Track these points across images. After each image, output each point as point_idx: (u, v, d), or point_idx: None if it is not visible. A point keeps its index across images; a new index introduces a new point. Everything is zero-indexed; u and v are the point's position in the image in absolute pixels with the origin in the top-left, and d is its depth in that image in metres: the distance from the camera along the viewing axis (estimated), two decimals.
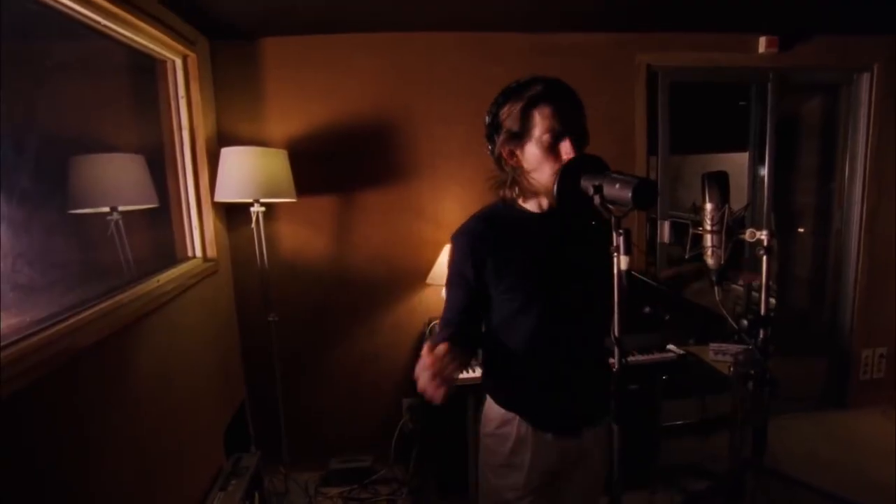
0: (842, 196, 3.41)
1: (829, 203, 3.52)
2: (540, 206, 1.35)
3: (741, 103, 3.52)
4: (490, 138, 1.34)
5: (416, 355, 2.93)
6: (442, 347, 1.08)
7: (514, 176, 1.34)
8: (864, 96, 3.24)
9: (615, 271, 1.09)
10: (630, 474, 2.64)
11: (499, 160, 1.35)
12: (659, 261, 3.24)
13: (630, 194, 1.03)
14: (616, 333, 1.14)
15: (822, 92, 3.54)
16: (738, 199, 3.93)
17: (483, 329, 1.50)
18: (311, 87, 2.80)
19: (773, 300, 3.91)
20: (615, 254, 1.08)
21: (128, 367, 1.79)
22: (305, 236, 2.90)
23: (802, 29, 3.03)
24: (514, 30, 2.84)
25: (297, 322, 2.90)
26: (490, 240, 1.35)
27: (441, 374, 1.06)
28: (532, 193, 1.34)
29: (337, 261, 2.92)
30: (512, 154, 1.31)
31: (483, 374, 1.58)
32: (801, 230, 3.86)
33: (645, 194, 1.03)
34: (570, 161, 1.21)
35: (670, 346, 2.64)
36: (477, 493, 1.63)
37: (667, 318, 3.12)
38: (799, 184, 3.73)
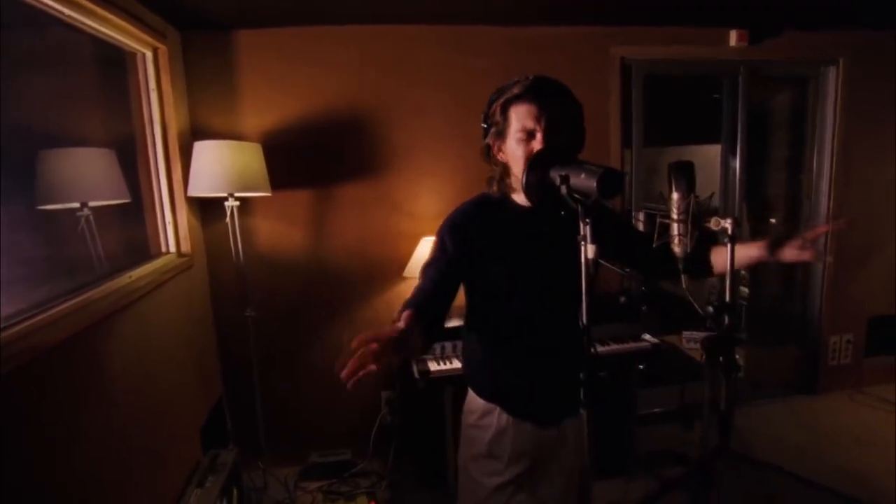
0: (810, 187, 3.50)
1: (798, 194, 3.60)
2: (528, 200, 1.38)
3: (714, 96, 3.58)
4: (485, 134, 1.39)
5: None
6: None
7: (502, 171, 1.38)
8: (831, 89, 3.32)
9: (582, 260, 1.11)
10: (607, 462, 2.72)
11: (487, 152, 1.39)
12: None
13: (595, 184, 1.05)
14: (584, 321, 1.15)
15: (791, 85, 3.62)
16: (713, 190, 4.01)
17: (465, 321, 1.53)
18: (287, 81, 2.77)
19: (745, 289, 4.01)
20: (582, 243, 1.10)
21: (99, 363, 1.77)
22: (282, 231, 2.88)
23: (771, 23, 3.09)
24: (490, 23, 2.85)
25: (274, 317, 2.89)
26: (481, 225, 1.39)
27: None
28: (517, 189, 1.36)
29: (314, 255, 2.91)
30: (499, 149, 1.36)
31: (464, 365, 1.61)
32: (773, 221, 3.94)
33: (610, 184, 1.05)
34: (537, 153, 1.23)
35: (645, 336, 2.68)
36: (455, 484, 1.64)
37: (644, 308, 3.17)
38: (770, 175, 3.81)
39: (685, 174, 1.29)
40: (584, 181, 1.07)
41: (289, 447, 2.96)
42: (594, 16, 2.85)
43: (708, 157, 3.73)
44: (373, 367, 0.93)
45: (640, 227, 3.22)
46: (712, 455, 2.18)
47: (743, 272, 4.18)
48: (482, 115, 1.38)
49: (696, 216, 1.28)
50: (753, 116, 3.38)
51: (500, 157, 1.36)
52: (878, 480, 2.67)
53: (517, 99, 1.29)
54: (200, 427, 2.57)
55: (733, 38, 3.08)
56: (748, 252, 1.45)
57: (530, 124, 1.28)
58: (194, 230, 2.69)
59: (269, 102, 2.77)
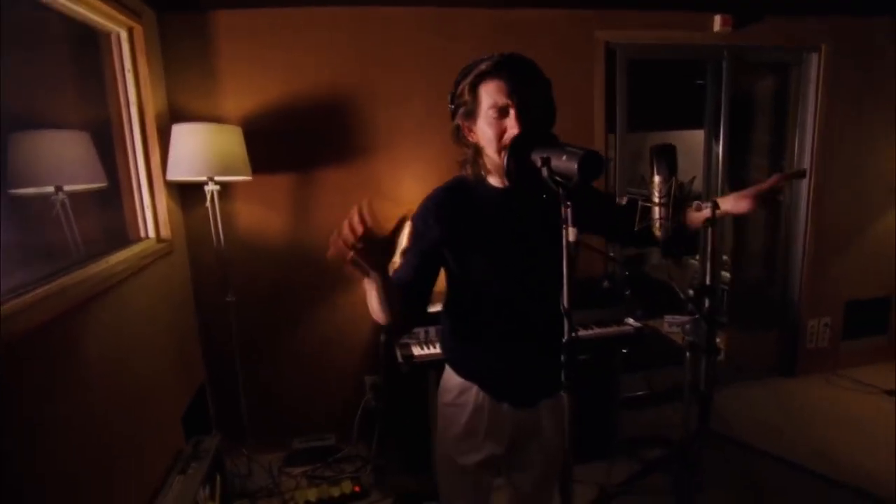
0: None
1: None
2: (502, 181, 1.36)
3: (698, 82, 3.58)
4: (453, 115, 1.35)
5: (376, 333, 2.94)
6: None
7: (474, 153, 1.35)
8: (813, 75, 3.34)
9: (563, 243, 1.10)
10: (590, 446, 2.75)
11: (457, 134, 1.36)
12: None
13: (576, 165, 1.04)
14: (565, 305, 1.15)
15: (775, 71, 3.63)
16: (695, 175, 4.03)
17: (444, 300, 1.52)
18: (267, 63, 2.72)
19: (727, 274, 4.06)
20: (563, 226, 1.09)
21: (76, 350, 1.73)
22: (263, 215, 2.84)
23: (755, 8, 3.09)
24: (473, 5, 2.82)
25: (256, 302, 2.86)
26: (456, 210, 1.37)
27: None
28: (491, 170, 1.35)
29: (296, 239, 2.88)
30: (470, 130, 1.33)
31: (442, 343, 1.61)
32: None
33: (591, 166, 1.04)
34: (518, 137, 1.21)
35: (628, 320, 2.70)
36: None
37: (627, 292, 3.19)
38: (753, 161, 3.84)
39: (667, 157, 1.29)
40: (565, 163, 1.06)
41: (273, 433, 2.96)
42: None
43: (692, 142, 3.75)
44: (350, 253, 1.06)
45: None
46: (693, 437, 2.22)
47: (725, 256, 4.23)
48: (449, 96, 1.34)
49: (678, 200, 1.28)
50: (737, 102, 3.39)
51: (472, 137, 1.33)
52: (850, 458, 2.74)
53: (486, 76, 1.26)
54: (182, 414, 2.54)
55: (717, 23, 3.08)
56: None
57: (502, 100, 1.24)
58: (174, 215, 2.64)
59: (249, 85, 2.72)
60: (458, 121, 1.34)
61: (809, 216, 3.46)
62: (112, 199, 2.43)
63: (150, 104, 2.42)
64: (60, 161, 2.13)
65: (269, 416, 2.97)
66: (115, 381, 1.95)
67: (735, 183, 3.89)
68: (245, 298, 2.75)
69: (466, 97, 1.29)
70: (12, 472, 1.38)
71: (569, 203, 1.07)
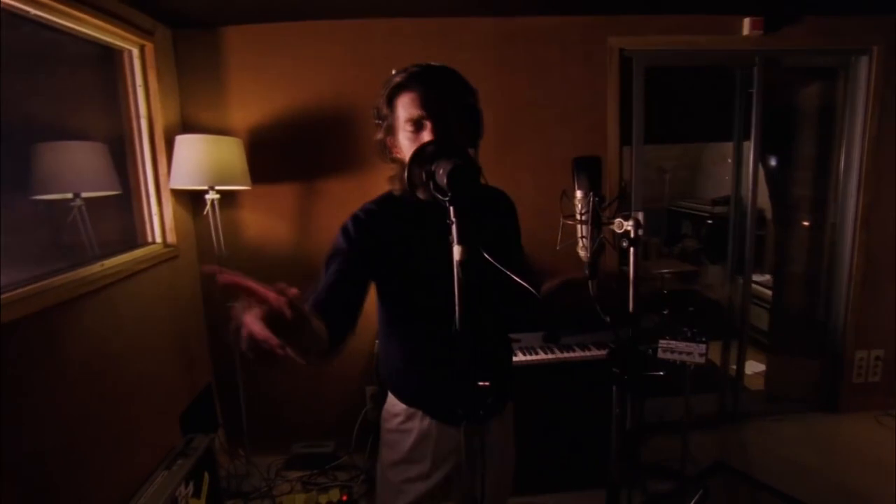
0: (838, 188, 3.21)
1: (825, 195, 3.31)
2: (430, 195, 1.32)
3: (749, 91, 3.32)
4: (378, 130, 1.32)
5: (374, 343, 2.93)
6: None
7: (401, 169, 1.30)
8: (863, 82, 3.02)
9: (454, 262, 1.04)
10: (589, 473, 2.61)
11: (381, 150, 1.33)
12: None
13: (446, 179, 0.98)
14: (458, 327, 1.10)
15: (819, 77, 3.32)
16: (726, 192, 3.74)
17: (378, 326, 1.48)
18: (273, 76, 2.81)
19: (768, 292, 3.75)
20: (452, 243, 1.03)
21: (57, 345, 1.84)
22: (268, 224, 2.92)
23: (790, 8, 2.84)
24: (477, 14, 2.77)
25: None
26: (384, 224, 1.32)
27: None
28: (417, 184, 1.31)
29: (300, 249, 2.94)
30: (393, 145, 1.30)
31: (381, 370, 1.55)
32: (805, 224, 3.65)
33: (460, 179, 0.98)
34: (421, 146, 1.16)
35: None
36: None
37: (665, 312, 3.00)
38: (796, 175, 3.52)
39: (588, 171, 1.20)
40: (440, 176, 1.01)
41: (275, 436, 3.02)
42: (590, 4, 2.72)
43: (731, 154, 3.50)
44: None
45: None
46: (704, 472, 2.05)
47: (767, 276, 3.91)
48: (373, 111, 1.31)
49: (598, 217, 1.19)
50: (777, 111, 3.13)
51: (396, 153, 1.29)
52: None
53: (401, 88, 1.23)
54: (181, 412, 2.65)
55: (747, 26, 2.86)
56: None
57: (416, 112, 1.20)
58: (183, 222, 2.77)
59: (256, 97, 2.81)
60: (381, 136, 1.30)
61: (857, 237, 3.12)
62: (125, 206, 2.59)
63: (159, 116, 2.56)
64: (79, 169, 2.30)
65: (272, 420, 3.04)
66: (101, 378, 2.06)
67: (775, 198, 3.61)
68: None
69: (385, 111, 1.27)
70: None
71: (452, 220, 1.01)
